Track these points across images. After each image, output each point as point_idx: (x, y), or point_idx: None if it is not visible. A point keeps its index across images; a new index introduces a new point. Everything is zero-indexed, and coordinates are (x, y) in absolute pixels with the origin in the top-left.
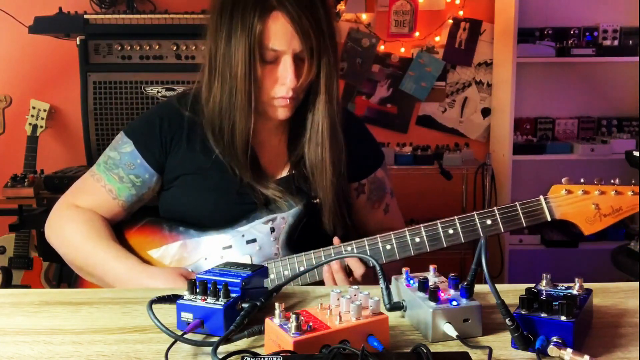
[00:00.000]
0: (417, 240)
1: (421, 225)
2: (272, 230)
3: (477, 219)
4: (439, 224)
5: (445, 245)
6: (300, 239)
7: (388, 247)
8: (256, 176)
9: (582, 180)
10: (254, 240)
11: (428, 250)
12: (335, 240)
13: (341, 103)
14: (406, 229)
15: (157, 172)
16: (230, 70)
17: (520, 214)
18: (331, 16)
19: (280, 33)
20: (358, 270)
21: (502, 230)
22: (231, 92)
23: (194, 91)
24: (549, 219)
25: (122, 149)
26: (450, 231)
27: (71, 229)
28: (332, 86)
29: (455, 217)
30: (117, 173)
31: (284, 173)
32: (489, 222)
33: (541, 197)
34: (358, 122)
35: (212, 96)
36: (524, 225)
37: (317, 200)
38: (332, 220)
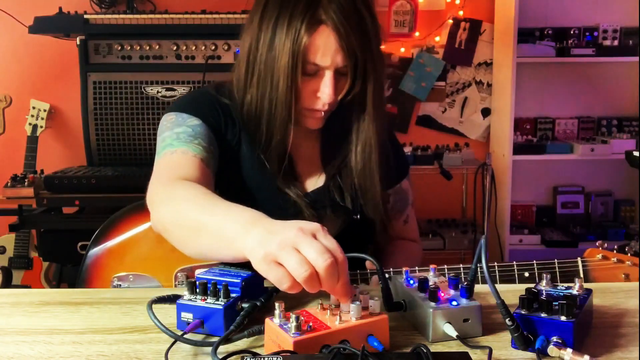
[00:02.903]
0: None
1: (461, 265)
2: None
3: (515, 269)
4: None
5: None
6: None
7: None
8: (289, 182)
9: (615, 247)
10: None
11: None
12: (368, 264)
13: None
14: (445, 266)
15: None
16: (271, 80)
17: (558, 272)
18: (378, 28)
19: (325, 48)
20: None
21: None
22: (271, 102)
23: (228, 86)
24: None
25: (189, 122)
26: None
27: (177, 195)
28: (380, 102)
29: (496, 263)
30: (199, 143)
31: (319, 183)
32: (526, 274)
33: (579, 258)
34: (389, 131)
35: (248, 101)
36: (559, 283)
37: (357, 216)
38: (379, 234)
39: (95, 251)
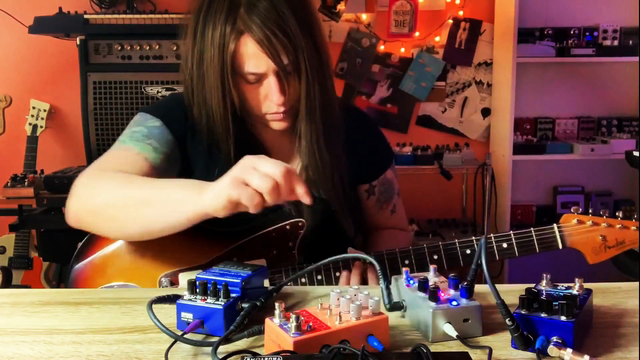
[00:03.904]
0: (435, 257)
1: (440, 243)
2: (289, 234)
3: (494, 242)
4: (457, 243)
5: (462, 265)
6: (318, 245)
7: (407, 261)
8: None
9: (590, 211)
10: (269, 245)
11: (445, 268)
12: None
13: (336, 111)
14: (425, 245)
15: (180, 159)
16: (204, 98)
17: (535, 240)
18: (309, 22)
19: (253, 57)
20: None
21: (517, 255)
22: (208, 117)
23: None
24: (560, 247)
25: (149, 123)
26: (468, 251)
27: (107, 177)
28: (313, 97)
29: (473, 237)
30: (150, 143)
31: None
32: (504, 245)
33: (554, 225)
34: (369, 123)
35: (194, 113)
36: (537, 251)
37: (325, 197)
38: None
39: (78, 266)
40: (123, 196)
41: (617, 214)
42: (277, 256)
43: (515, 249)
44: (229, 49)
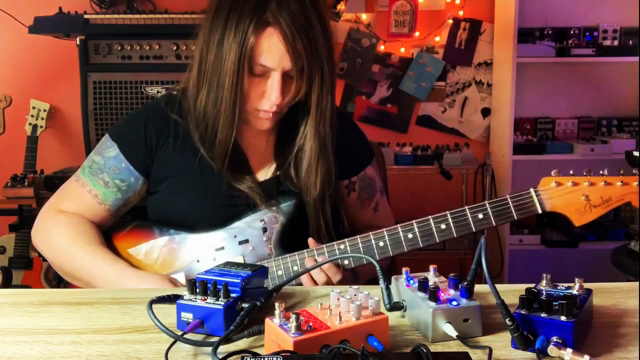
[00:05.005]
0: (410, 236)
1: (413, 221)
2: (265, 230)
3: (468, 213)
4: (431, 219)
5: (438, 241)
6: (293, 238)
7: (381, 244)
8: (241, 177)
9: (571, 172)
10: (246, 241)
11: (421, 245)
12: (310, 242)
13: (333, 118)
14: (399, 225)
15: (143, 176)
16: (218, 78)
17: (512, 206)
18: (329, 35)
19: (272, 50)
20: (334, 277)
21: (494, 224)
22: (217, 100)
23: (180, 91)
24: (539, 211)
25: (106, 153)
26: (443, 226)
27: (58, 233)
28: (324, 107)
29: (447, 212)
30: (102, 178)
31: (270, 174)
32: (480, 215)
33: (531, 189)
34: (347, 120)
35: (199, 99)
36: (515, 218)
37: (309, 198)
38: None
39: None
40: (62, 262)
41: (600, 172)
42: (254, 251)
43: (492, 217)
44: (251, 37)
